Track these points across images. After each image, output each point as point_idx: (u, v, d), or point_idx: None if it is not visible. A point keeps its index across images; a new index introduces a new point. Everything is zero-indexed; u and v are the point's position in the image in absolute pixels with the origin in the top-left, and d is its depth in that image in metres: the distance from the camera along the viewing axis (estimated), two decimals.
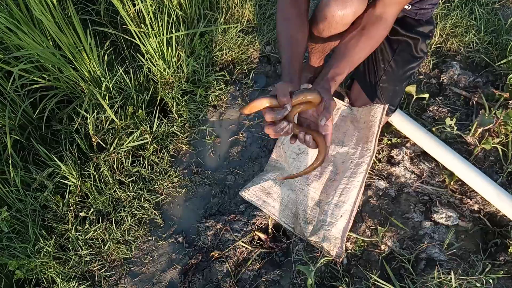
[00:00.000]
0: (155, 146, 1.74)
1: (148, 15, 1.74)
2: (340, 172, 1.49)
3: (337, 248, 1.38)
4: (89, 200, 1.60)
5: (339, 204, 1.42)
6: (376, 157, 1.59)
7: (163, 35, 1.78)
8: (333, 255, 1.39)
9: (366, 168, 1.44)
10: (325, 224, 1.40)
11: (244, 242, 1.51)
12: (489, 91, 1.66)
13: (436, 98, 1.71)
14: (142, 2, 1.74)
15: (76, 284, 1.47)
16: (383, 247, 1.42)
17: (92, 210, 1.58)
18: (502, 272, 1.29)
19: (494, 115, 1.53)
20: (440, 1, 2.04)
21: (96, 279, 1.52)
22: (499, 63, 1.73)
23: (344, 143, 1.55)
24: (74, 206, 1.58)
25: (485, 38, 1.85)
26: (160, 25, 1.78)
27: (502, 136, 1.53)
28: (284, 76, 1.12)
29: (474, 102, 1.66)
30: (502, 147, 1.51)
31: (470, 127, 1.56)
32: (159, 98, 1.85)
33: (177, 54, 1.88)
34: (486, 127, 1.52)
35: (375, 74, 1.47)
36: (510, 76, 1.61)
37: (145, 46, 1.81)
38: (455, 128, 1.54)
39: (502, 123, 1.53)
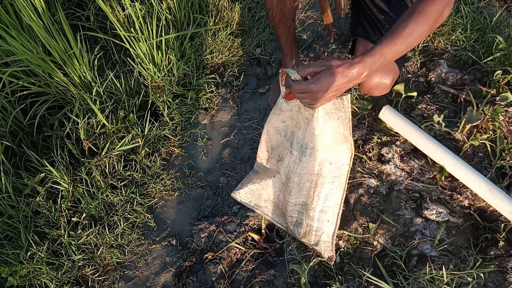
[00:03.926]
0: (147, 149, 1.74)
1: (138, 19, 1.75)
2: (319, 175, 1.36)
3: (328, 251, 1.39)
4: (82, 205, 1.60)
5: (324, 209, 1.38)
6: (366, 155, 1.61)
7: (152, 39, 1.79)
8: (325, 257, 1.40)
9: (347, 170, 1.37)
10: (312, 229, 1.39)
11: (238, 243, 1.52)
12: (476, 88, 1.68)
13: (425, 96, 1.73)
14: (131, 6, 1.75)
15: None
16: (375, 243, 1.43)
17: (84, 215, 1.58)
18: (493, 266, 1.30)
19: (481, 112, 1.55)
20: None
21: (89, 284, 1.51)
22: (485, 60, 1.75)
23: (319, 146, 1.34)
24: (66, 211, 1.58)
25: (472, 36, 1.88)
26: (149, 29, 1.79)
27: (490, 132, 1.54)
28: None
29: (462, 99, 1.68)
30: (490, 143, 1.53)
31: (458, 124, 1.57)
32: (150, 102, 1.85)
33: (167, 57, 1.88)
34: (474, 124, 1.53)
35: (378, 28, 1.48)
36: (496, 73, 1.63)
37: (135, 51, 1.82)
38: (443, 124, 1.56)
39: (489, 119, 1.54)
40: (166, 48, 1.88)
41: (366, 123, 1.72)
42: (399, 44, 0.98)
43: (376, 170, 1.58)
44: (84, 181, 1.63)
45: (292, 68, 1.06)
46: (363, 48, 1.54)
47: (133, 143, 1.71)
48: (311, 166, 1.34)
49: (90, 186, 1.63)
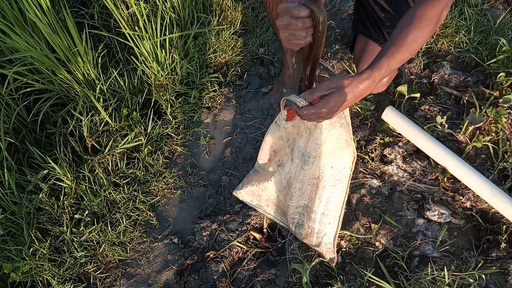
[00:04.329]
0: (150, 148, 1.74)
1: (142, 17, 1.75)
2: (321, 179, 1.35)
3: (330, 253, 1.39)
4: (84, 202, 1.60)
5: (326, 212, 1.37)
6: (369, 156, 1.61)
7: (156, 37, 1.79)
8: (326, 258, 1.40)
9: (349, 174, 1.37)
10: (314, 231, 1.39)
11: (240, 242, 1.52)
12: (479, 90, 1.68)
13: (428, 98, 1.73)
14: (135, 5, 1.75)
15: (72, 286, 1.47)
16: (377, 243, 1.43)
17: (87, 212, 1.58)
18: (495, 267, 1.31)
19: (484, 114, 1.55)
20: None
21: (91, 281, 1.52)
22: (488, 63, 1.75)
23: (321, 154, 1.32)
24: (69, 208, 1.59)
25: (475, 38, 1.88)
26: (153, 27, 1.79)
27: (493, 134, 1.55)
28: None
29: (465, 101, 1.69)
30: (492, 145, 1.53)
31: (461, 126, 1.58)
32: (153, 100, 1.85)
33: (171, 56, 1.89)
34: (477, 125, 1.54)
35: (378, 25, 1.48)
36: (499, 75, 1.63)
37: (139, 49, 1.82)
38: (446, 125, 1.56)
39: (492, 121, 1.55)
40: (170, 47, 1.89)
41: (369, 124, 1.72)
42: (403, 52, 0.98)
43: (379, 171, 1.58)
44: (87, 178, 1.64)
45: (297, 96, 1.01)
46: (362, 44, 1.55)
47: (136, 141, 1.71)
48: (313, 171, 1.35)
49: (92, 184, 1.63)
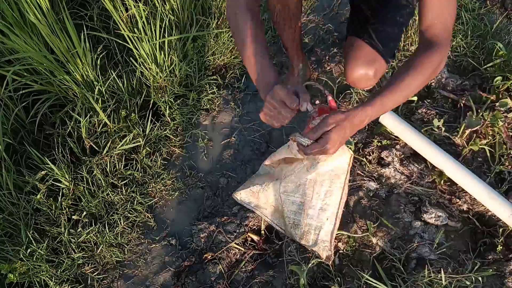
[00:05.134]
0: (148, 149, 1.75)
1: (141, 19, 1.76)
2: (318, 174, 1.39)
3: (327, 251, 1.39)
4: (82, 203, 1.60)
5: (323, 207, 1.39)
6: (366, 158, 1.62)
7: (155, 39, 1.80)
8: (323, 258, 1.40)
9: (347, 169, 1.39)
10: (311, 228, 1.39)
11: (237, 244, 1.52)
12: (476, 94, 1.69)
13: (425, 101, 1.74)
14: (135, 7, 1.76)
15: (69, 287, 1.47)
16: (374, 245, 1.43)
17: (84, 213, 1.59)
18: (491, 270, 1.31)
19: (481, 117, 1.56)
20: None
21: (89, 282, 1.52)
22: (485, 67, 1.77)
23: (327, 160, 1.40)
24: (66, 209, 1.59)
25: (472, 42, 1.89)
26: (152, 30, 1.80)
27: (489, 138, 1.56)
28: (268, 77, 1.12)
29: (462, 104, 1.69)
30: (489, 148, 1.54)
31: (458, 129, 1.59)
32: (152, 102, 1.86)
33: (169, 58, 1.89)
34: (474, 129, 1.55)
35: (364, 23, 1.49)
36: (496, 79, 1.65)
37: (138, 51, 1.83)
38: (443, 129, 1.57)
39: (489, 125, 1.56)
40: (169, 49, 1.89)
41: (367, 127, 1.73)
42: (397, 95, 1.06)
43: (376, 173, 1.59)
44: (85, 179, 1.64)
45: (301, 135, 1.07)
46: (350, 43, 1.54)
47: (134, 143, 1.72)
48: (311, 174, 1.38)
49: (90, 185, 1.64)
